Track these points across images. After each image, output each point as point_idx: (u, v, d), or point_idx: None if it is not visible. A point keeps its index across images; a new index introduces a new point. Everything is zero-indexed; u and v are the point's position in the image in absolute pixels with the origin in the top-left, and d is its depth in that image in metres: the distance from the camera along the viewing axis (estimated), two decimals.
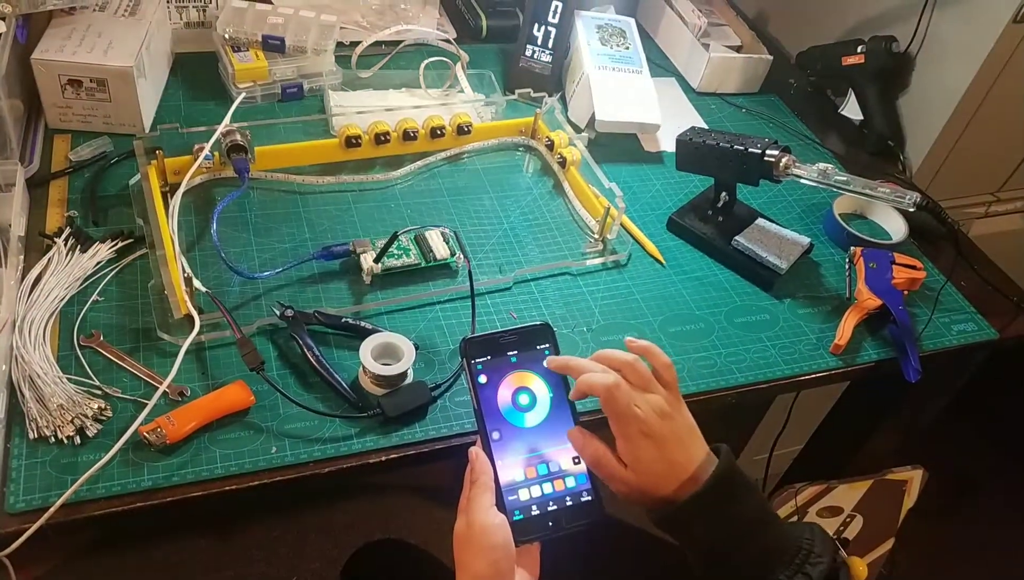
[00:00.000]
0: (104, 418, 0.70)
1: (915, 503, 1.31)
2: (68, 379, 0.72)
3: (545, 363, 0.67)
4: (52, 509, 0.63)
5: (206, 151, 0.90)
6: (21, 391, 0.70)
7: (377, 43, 1.15)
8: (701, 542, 0.61)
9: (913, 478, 1.29)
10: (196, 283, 0.80)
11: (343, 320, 0.81)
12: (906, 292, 0.96)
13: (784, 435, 1.36)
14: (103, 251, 0.84)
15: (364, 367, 0.75)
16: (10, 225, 0.80)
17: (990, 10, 1.09)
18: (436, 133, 1.04)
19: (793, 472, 1.45)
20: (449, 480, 0.68)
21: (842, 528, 1.31)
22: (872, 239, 1.03)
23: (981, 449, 2.00)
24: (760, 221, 1.01)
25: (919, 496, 1.30)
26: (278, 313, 0.79)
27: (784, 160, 0.91)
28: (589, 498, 0.65)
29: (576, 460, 0.65)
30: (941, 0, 1.16)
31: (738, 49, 1.35)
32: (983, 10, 1.10)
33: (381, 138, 1.01)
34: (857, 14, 1.30)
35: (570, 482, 0.65)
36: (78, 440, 0.68)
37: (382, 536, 1.08)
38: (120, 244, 0.85)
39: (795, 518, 1.28)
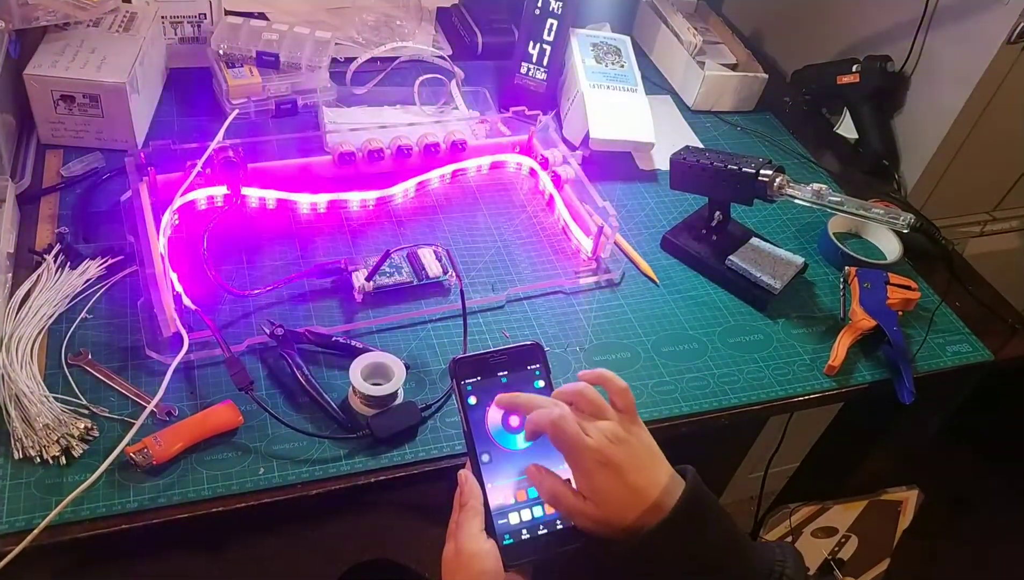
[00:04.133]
0: (90, 438, 0.70)
1: (910, 523, 1.30)
2: (55, 398, 0.71)
3: (495, 401, 0.64)
4: (35, 531, 0.62)
5: (198, 167, 0.90)
6: (7, 410, 0.69)
7: (372, 59, 1.16)
8: (670, 571, 0.57)
9: (908, 498, 1.29)
10: (186, 301, 0.80)
11: (334, 339, 0.81)
12: (900, 313, 0.96)
13: (779, 454, 1.36)
14: (93, 268, 0.83)
15: (354, 387, 0.74)
16: None
17: (984, 31, 1.09)
18: (430, 150, 1.03)
19: (788, 491, 1.45)
20: (442, 499, 0.67)
21: (837, 549, 1.30)
22: (866, 259, 1.03)
23: (976, 469, 2.00)
24: (754, 240, 1.00)
25: (914, 516, 1.29)
26: (268, 331, 0.79)
27: (778, 180, 0.91)
28: None
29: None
30: (936, 21, 1.16)
31: (733, 67, 1.35)
32: (977, 31, 1.11)
33: (375, 155, 1.01)
34: (852, 34, 1.31)
35: None
36: (64, 460, 0.68)
37: (374, 555, 1.07)
38: (110, 261, 0.85)
39: (790, 538, 1.28)
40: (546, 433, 0.59)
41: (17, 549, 0.61)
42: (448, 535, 0.61)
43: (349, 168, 1.01)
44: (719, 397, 0.85)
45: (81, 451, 0.68)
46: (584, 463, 0.58)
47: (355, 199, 0.99)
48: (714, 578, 0.57)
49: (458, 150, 1.05)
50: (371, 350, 0.79)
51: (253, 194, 0.95)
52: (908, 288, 0.97)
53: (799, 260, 0.99)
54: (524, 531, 0.62)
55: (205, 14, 1.12)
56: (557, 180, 1.03)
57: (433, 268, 0.89)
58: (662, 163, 1.15)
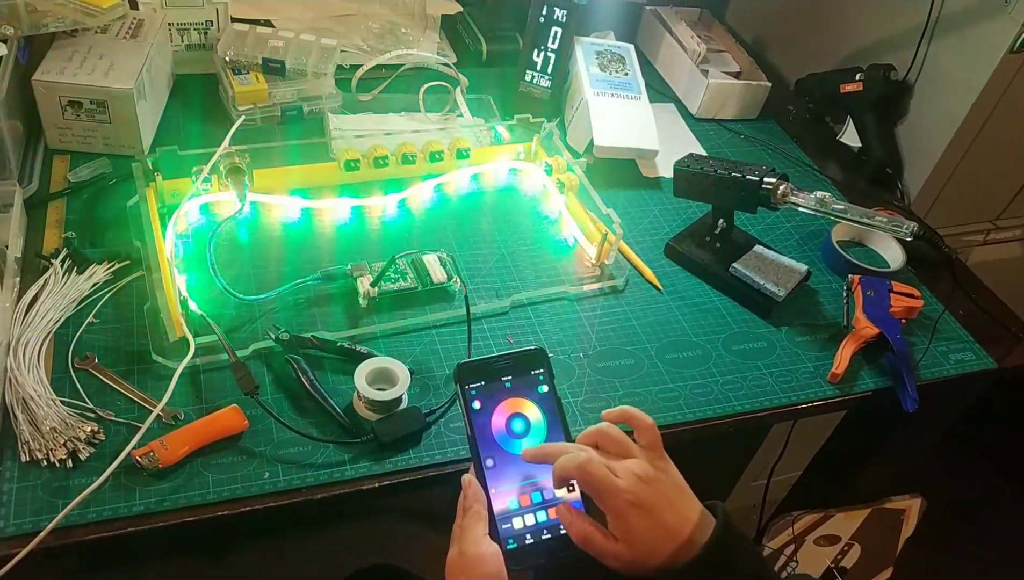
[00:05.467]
0: (97, 441, 0.70)
1: (913, 532, 1.30)
2: (61, 402, 0.72)
3: (520, 455, 0.64)
4: (42, 534, 0.62)
5: (205, 173, 0.90)
6: (14, 413, 0.70)
7: (377, 67, 1.16)
8: None
9: (911, 506, 1.29)
10: (192, 306, 0.80)
11: (338, 344, 0.81)
12: (904, 321, 0.96)
13: (782, 461, 1.36)
14: (99, 273, 0.84)
15: (358, 392, 0.75)
16: (7, 246, 0.80)
17: (987, 40, 1.10)
18: (435, 157, 1.04)
19: (791, 498, 1.44)
20: (446, 504, 0.67)
21: (840, 557, 1.30)
22: (870, 267, 1.03)
23: (979, 477, 1.99)
24: (758, 248, 1.01)
25: (917, 525, 1.29)
26: (273, 337, 0.79)
27: (781, 188, 0.91)
28: None
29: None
30: (939, 29, 1.16)
31: (737, 75, 1.36)
32: (981, 40, 1.11)
33: (380, 162, 1.01)
34: (855, 42, 1.31)
35: None
36: (70, 463, 0.68)
37: (378, 560, 1.07)
38: (117, 266, 0.85)
39: (792, 546, 1.28)
40: (576, 480, 0.59)
41: (24, 551, 0.61)
42: (452, 539, 0.62)
43: (354, 174, 1.01)
44: (722, 404, 0.85)
45: (87, 454, 0.69)
46: (616, 505, 0.58)
47: (360, 205, 0.99)
48: None
49: (463, 157, 1.05)
50: (376, 355, 0.79)
51: (259, 200, 0.96)
52: (911, 296, 0.97)
53: (803, 268, 0.99)
54: (528, 536, 0.63)
55: (212, 21, 1.12)
56: (561, 187, 1.04)
57: (438, 274, 0.89)
58: (666, 171, 1.15)
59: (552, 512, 0.64)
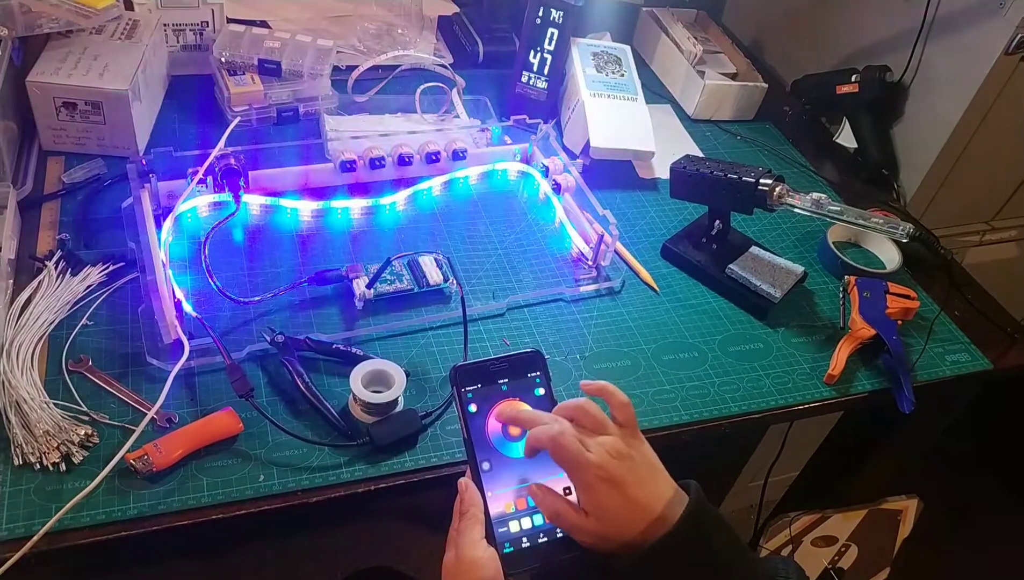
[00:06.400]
0: (90, 444, 0.70)
1: (910, 532, 1.30)
2: (55, 404, 0.71)
3: (494, 415, 0.64)
4: (35, 538, 0.62)
5: (200, 174, 0.90)
6: (7, 416, 0.69)
7: (374, 68, 1.16)
8: None
9: (908, 507, 1.29)
10: (186, 308, 0.80)
11: (334, 346, 0.81)
12: (900, 322, 0.96)
13: (779, 462, 1.36)
14: (94, 275, 0.83)
15: (354, 394, 0.74)
16: (0, 248, 0.80)
17: (982, 42, 1.10)
18: (431, 158, 1.04)
19: (788, 500, 1.45)
20: (442, 507, 0.67)
21: (837, 558, 1.30)
22: (866, 268, 1.03)
23: (976, 478, 1.99)
24: (754, 249, 1.01)
25: (914, 525, 1.29)
26: (268, 339, 0.79)
27: (777, 189, 0.91)
28: None
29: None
30: (934, 31, 1.17)
31: (733, 77, 1.36)
32: (975, 42, 1.11)
33: (376, 163, 1.01)
34: (851, 44, 1.31)
35: None
36: (63, 467, 0.68)
37: (374, 563, 1.07)
38: (111, 268, 0.85)
39: (789, 547, 1.28)
40: (546, 449, 0.59)
41: (16, 556, 0.61)
42: (448, 543, 0.61)
43: (350, 176, 1.01)
44: (719, 405, 0.85)
45: (81, 458, 0.68)
46: (586, 479, 0.58)
47: (356, 207, 0.99)
48: None
49: (459, 158, 1.05)
50: (371, 357, 0.79)
51: (254, 201, 0.96)
52: (907, 297, 0.97)
53: (799, 269, 0.99)
54: (524, 539, 0.62)
55: (207, 22, 1.12)
56: (557, 188, 1.04)
57: (434, 275, 0.89)
58: (662, 172, 1.15)
59: None
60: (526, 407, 0.64)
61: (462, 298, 0.85)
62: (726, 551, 0.58)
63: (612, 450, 0.59)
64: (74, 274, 0.83)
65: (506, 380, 0.67)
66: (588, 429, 0.60)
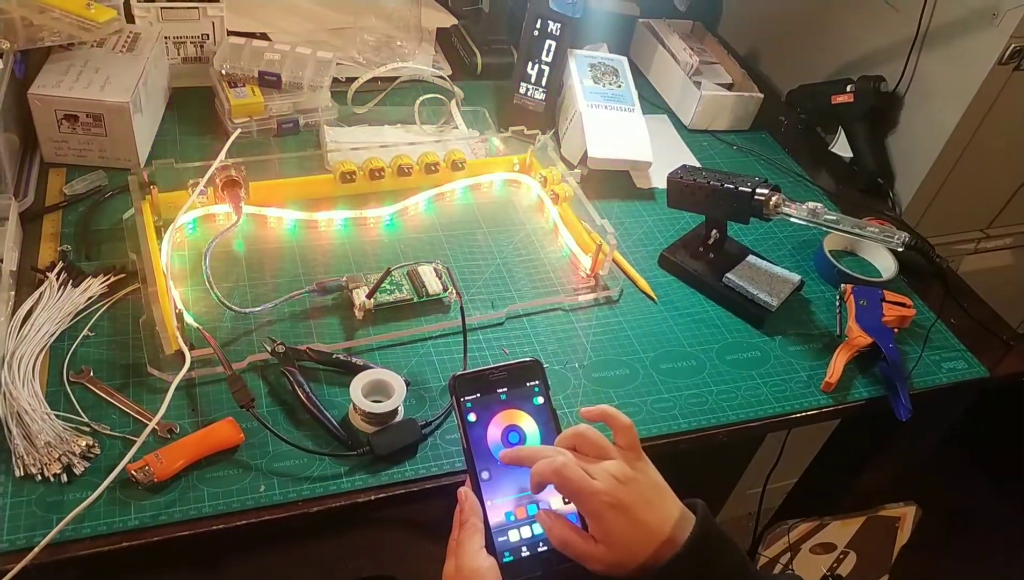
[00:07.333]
0: (92, 455, 0.70)
1: (908, 539, 1.30)
2: (56, 415, 0.72)
3: (499, 457, 0.64)
4: (36, 549, 0.62)
5: (200, 186, 0.91)
6: (8, 428, 0.69)
7: (373, 79, 1.17)
8: None
9: (906, 514, 1.29)
10: (188, 319, 0.80)
11: (334, 356, 0.81)
12: (896, 330, 0.96)
13: (777, 470, 1.36)
14: (95, 286, 0.84)
15: (354, 404, 0.75)
16: (2, 260, 0.80)
17: (976, 52, 1.11)
18: (430, 169, 1.04)
19: (786, 507, 1.45)
20: (442, 516, 0.67)
21: (835, 565, 1.30)
22: (862, 277, 1.04)
23: (974, 485, 2.00)
24: (751, 258, 1.01)
25: (912, 532, 1.29)
26: (269, 349, 0.79)
27: (774, 199, 0.92)
28: None
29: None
30: (928, 41, 1.18)
31: (729, 87, 1.37)
32: (970, 52, 1.12)
33: (376, 174, 1.01)
34: (846, 54, 1.32)
35: None
36: (65, 478, 0.68)
37: (374, 572, 1.07)
38: (112, 279, 0.85)
39: (787, 555, 1.28)
40: (551, 483, 0.59)
41: (17, 567, 0.61)
42: (448, 552, 0.62)
43: (350, 186, 1.02)
44: (717, 414, 0.86)
45: (82, 469, 0.69)
46: (593, 507, 0.58)
47: (356, 217, 1.00)
48: None
49: (458, 169, 1.06)
50: (371, 367, 0.79)
51: (255, 212, 0.96)
52: (904, 305, 0.98)
53: (795, 277, 0.99)
54: (524, 548, 0.63)
55: (208, 35, 1.13)
56: (555, 198, 1.04)
57: (433, 285, 0.90)
58: (659, 182, 1.16)
59: None
60: (525, 446, 0.64)
61: (461, 307, 0.86)
62: (734, 570, 0.59)
63: (618, 474, 0.59)
64: (75, 285, 0.83)
65: (505, 389, 0.67)
66: (591, 456, 0.60)
